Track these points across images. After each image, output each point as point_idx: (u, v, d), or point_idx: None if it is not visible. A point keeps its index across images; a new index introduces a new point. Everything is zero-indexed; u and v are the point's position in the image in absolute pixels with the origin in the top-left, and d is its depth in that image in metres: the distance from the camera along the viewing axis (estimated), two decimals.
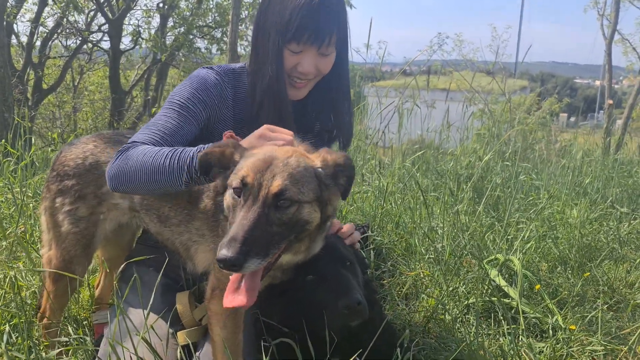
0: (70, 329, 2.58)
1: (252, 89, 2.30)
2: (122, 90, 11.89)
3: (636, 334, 2.31)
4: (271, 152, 1.69)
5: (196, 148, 1.93)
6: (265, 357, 1.90)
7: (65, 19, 13.24)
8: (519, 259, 2.88)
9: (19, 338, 2.39)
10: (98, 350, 2.29)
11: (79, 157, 2.34)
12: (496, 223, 3.74)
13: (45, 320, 2.47)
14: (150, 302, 2.02)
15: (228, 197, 1.69)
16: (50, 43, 13.84)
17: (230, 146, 1.76)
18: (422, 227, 3.49)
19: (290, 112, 2.28)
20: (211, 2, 12.96)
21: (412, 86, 7.06)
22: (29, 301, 2.68)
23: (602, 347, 2.32)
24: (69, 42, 14.55)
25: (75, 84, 15.49)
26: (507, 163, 4.94)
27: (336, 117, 2.44)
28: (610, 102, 10.92)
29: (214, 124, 2.30)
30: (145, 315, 2.12)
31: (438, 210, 3.99)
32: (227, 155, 1.76)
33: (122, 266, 2.15)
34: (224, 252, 1.46)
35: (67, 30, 13.79)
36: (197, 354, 2.16)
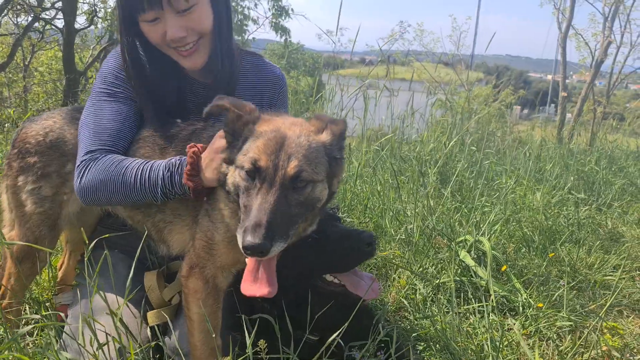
0: (29, 311, 2.51)
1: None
2: (77, 71, 11.43)
3: (602, 311, 2.39)
4: (280, 130, 1.65)
5: (163, 166, 1.90)
6: (241, 333, 1.89)
7: None
8: (488, 239, 2.94)
9: None
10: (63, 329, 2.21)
11: (39, 133, 2.24)
12: (462, 206, 3.80)
13: (5, 302, 2.37)
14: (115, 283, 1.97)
15: (237, 177, 1.64)
16: None
17: (247, 113, 1.70)
18: (391, 209, 3.52)
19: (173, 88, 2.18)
20: None
21: (372, 75, 7.08)
22: None
23: (569, 323, 2.39)
24: (19, 20, 13.91)
25: (26, 63, 14.85)
26: (473, 148, 5.03)
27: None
28: (564, 94, 11.26)
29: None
30: (115, 296, 2.08)
31: (405, 194, 4.03)
32: (241, 123, 1.70)
33: (91, 246, 2.06)
34: (249, 238, 1.45)
35: (18, 7, 13.18)
36: (174, 334, 2.11)
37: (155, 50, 2.09)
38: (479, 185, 4.51)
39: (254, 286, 1.62)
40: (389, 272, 2.94)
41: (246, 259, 1.68)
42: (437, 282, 2.81)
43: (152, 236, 2.18)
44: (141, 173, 1.91)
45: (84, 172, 1.98)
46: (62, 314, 2.11)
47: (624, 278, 3.15)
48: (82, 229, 1.97)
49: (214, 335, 1.87)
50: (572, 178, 5.24)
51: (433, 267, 2.96)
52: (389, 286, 2.86)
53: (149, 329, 2.14)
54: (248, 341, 1.64)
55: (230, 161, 1.71)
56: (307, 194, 1.61)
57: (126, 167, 1.93)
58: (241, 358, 1.66)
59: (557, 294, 2.66)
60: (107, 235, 2.10)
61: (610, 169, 6.67)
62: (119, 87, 2.12)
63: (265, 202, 1.51)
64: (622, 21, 12.94)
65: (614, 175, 6.43)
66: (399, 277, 2.88)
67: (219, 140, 1.80)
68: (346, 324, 1.89)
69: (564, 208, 4.41)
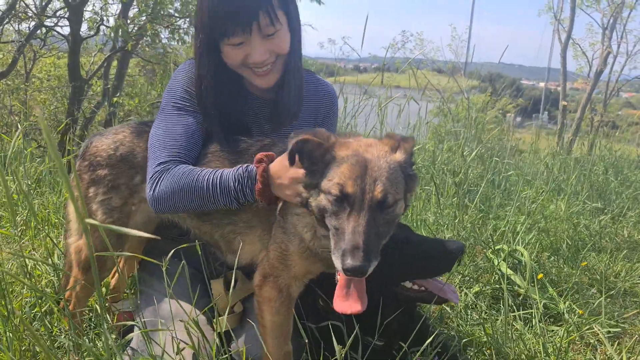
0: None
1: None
2: (82, 79, 11.46)
3: (638, 318, 2.52)
4: (360, 153, 1.75)
5: (232, 175, 1.98)
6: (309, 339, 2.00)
7: (19, 2, 12.68)
8: (524, 247, 3.06)
9: (42, 326, 2.38)
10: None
11: (110, 147, 2.33)
12: (489, 216, 3.92)
13: (70, 308, 2.45)
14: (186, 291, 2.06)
15: (324, 201, 1.74)
16: (1, 27, 13.22)
17: (325, 141, 1.80)
18: (423, 219, 3.63)
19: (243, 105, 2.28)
20: None
21: (368, 82, 7.19)
22: (48, 290, 2.66)
23: (615, 330, 2.50)
24: (21, 27, 13.94)
25: (28, 70, 14.87)
26: (497, 159, 5.16)
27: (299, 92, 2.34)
28: (565, 103, 11.46)
29: None
30: (179, 304, 2.15)
31: (430, 205, 4.14)
32: (321, 151, 1.79)
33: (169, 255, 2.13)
34: (350, 261, 1.57)
35: (21, 14, 13.22)
36: (238, 340, 2.20)
37: (229, 71, 2.18)
38: (496, 196, 4.64)
39: (346, 303, 1.73)
40: None
41: (337, 277, 1.78)
42: (477, 289, 2.92)
43: (220, 246, 2.26)
44: (212, 182, 2.00)
45: (157, 183, 2.06)
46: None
47: None
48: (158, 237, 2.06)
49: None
50: (584, 187, 5.38)
51: (470, 277, 3.07)
52: None
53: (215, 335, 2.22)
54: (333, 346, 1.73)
55: (311, 186, 1.80)
56: (392, 213, 1.73)
57: (197, 176, 2.02)
58: None
59: (595, 302, 2.78)
60: (185, 245, 2.16)
61: (617, 179, 6.84)
62: (187, 101, 2.20)
63: (358, 225, 1.63)
64: (618, 32, 13.22)
65: (620, 184, 6.60)
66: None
67: (294, 170, 1.88)
68: (415, 330, 2.00)
69: (581, 217, 4.55)
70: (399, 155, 1.80)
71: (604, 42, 12.11)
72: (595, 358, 2.36)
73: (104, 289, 2.89)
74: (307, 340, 2.04)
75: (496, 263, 3.01)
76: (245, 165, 2.01)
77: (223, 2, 2.01)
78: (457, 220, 3.48)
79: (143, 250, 2.70)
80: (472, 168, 5.61)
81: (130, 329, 2.49)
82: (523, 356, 2.24)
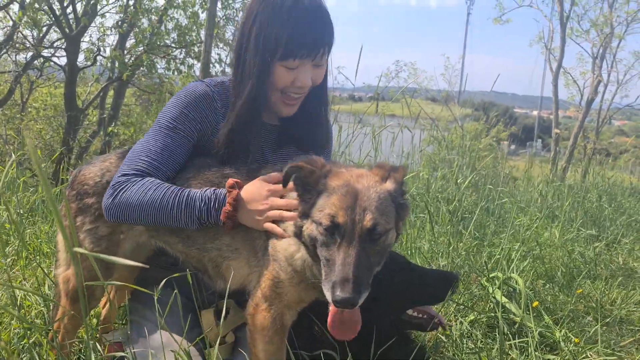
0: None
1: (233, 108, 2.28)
2: (78, 108, 11.54)
3: (636, 346, 2.49)
4: (351, 184, 1.75)
5: (199, 196, 2.01)
6: None
7: (17, 34, 12.83)
8: (518, 274, 3.04)
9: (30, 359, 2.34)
10: None
11: (97, 175, 2.32)
12: (484, 243, 3.91)
13: (59, 340, 2.41)
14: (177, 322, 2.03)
15: (315, 231, 1.74)
16: None
17: (319, 168, 1.82)
18: (418, 247, 3.62)
19: (259, 132, 2.30)
20: (170, 23, 12.86)
21: (370, 112, 7.26)
22: (37, 321, 2.62)
23: (612, 359, 2.47)
24: (19, 57, 14.09)
25: (24, 100, 14.97)
26: (490, 186, 5.18)
27: (315, 124, 2.41)
28: (558, 131, 11.58)
29: (208, 137, 2.30)
30: (170, 335, 2.12)
31: (424, 232, 4.13)
32: (314, 179, 1.81)
33: (161, 285, 2.11)
34: (339, 293, 1.58)
35: (18, 45, 13.37)
36: None
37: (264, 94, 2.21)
38: (490, 223, 4.65)
39: (340, 329, 1.76)
40: None
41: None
42: (472, 317, 2.90)
43: (209, 272, 2.24)
44: (178, 200, 2.02)
45: (119, 191, 2.07)
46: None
47: None
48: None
49: None
50: (578, 214, 5.39)
51: (465, 304, 3.05)
52: None
53: None
54: None
55: (304, 215, 1.81)
56: (383, 243, 1.73)
57: (164, 193, 2.04)
58: None
59: (591, 331, 2.75)
60: (176, 275, 2.14)
61: (610, 205, 6.86)
62: (180, 123, 2.21)
63: (348, 256, 1.63)
64: (608, 61, 13.43)
65: (614, 211, 6.62)
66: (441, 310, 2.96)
67: (274, 199, 1.93)
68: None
69: (576, 244, 4.55)
70: (389, 185, 1.80)
71: (594, 71, 12.30)
72: None
73: (94, 320, 2.85)
74: None
75: (491, 291, 2.99)
76: (214, 188, 2.05)
77: (306, 30, 2.09)
78: (451, 248, 3.47)
79: (135, 279, 2.66)
80: (467, 196, 5.62)
81: None
82: None
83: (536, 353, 2.52)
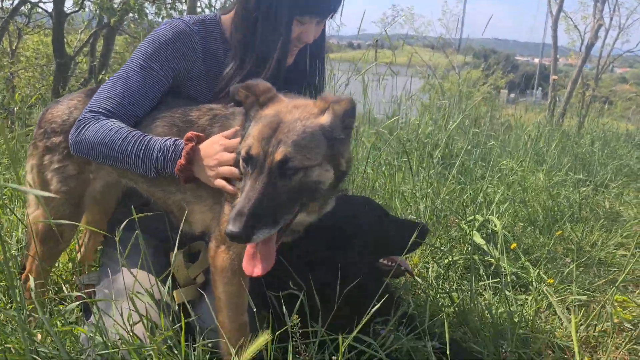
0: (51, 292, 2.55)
1: (243, 52, 2.23)
2: (67, 55, 11.29)
3: (611, 285, 2.49)
4: (279, 114, 1.65)
5: (158, 145, 1.97)
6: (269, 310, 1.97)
7: None
8: (497, 217, 3.02)
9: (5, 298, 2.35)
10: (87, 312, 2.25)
11: (64, 113, 2.27)
12: (467, 187, 3.88)
13: (29, 283, 2.40)
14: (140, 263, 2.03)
15: (240, 161, 1.68)
16: None
17: (256, 95, 1.74)
18: (398, 190, 3.58)
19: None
20: None
21: (366, 59, 7.09)
22: (11, 262, 2.60)
23: (582, 297, 2.48)
24: (5, 4, 13.71)
25: (13, 48, 14.66)
26: (476, 130, 5.10)
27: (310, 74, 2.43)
28: (555, 77, 11.37)
29: (185, 77, 2.25)
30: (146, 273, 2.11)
31: (410, 177, 4.09)
32: (248, 105, 1.76)
33: (122, 225, 2.07)
34: (230, 227, 1.48)
35: None
36: (197, 311, 2.15)
37: None
38: (478, 168, 4.60)
39: (250, 266, 1.67)
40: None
41: None
42: (448, 260, 2.89)
43: (175, 213, 2.21)
44: (137, 146, 1.99)
45: (83, 128, 2.05)
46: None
47: (625, 255, 3.25)
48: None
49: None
50: (568, 159, 5.33)
51: (443, 246, 3.04)
52: None
53: (176, 306, 2.17)
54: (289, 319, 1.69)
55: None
56: (298, 180, 1.60)
57: (124, 136, 2.00)
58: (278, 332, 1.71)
59: (566, 271, 2.75)
60: (141, 215, 2.10)
61: (603, 151, 6.80)
62: (157, 63, 2.15)
63: (252, 190, 1.54)
64: (611, 4, 13.08)
65: (607, 157, 6.57)
66: (411, 256, 2.95)
67: (223, 154, 1.86)
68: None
69: (563, 189, 4.51)
70: (325, 118, 1.67)
71: (595, 15, 11.99)
72: (562, 326, 2.33)
73: (69, 264, 2.85)
74: (270, 311, 2.02)
75: (469, 233, 2.97)
76: (175, 139, 2.00)
77: None
78: (431, 189, 3.43)
79: (107, 223, 2.64)
80: (456, 141, 5.55)
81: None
82: (489, 325, 2.20)
83: (509, 293, 2.51)
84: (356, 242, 2.05)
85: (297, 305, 1.87)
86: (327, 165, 1.66)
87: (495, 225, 2.94)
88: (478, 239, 2.96)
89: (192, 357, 1.80)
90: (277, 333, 1.76)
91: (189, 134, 1.95)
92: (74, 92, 2.42)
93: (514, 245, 2.95)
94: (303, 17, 2.15)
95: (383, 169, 4.10)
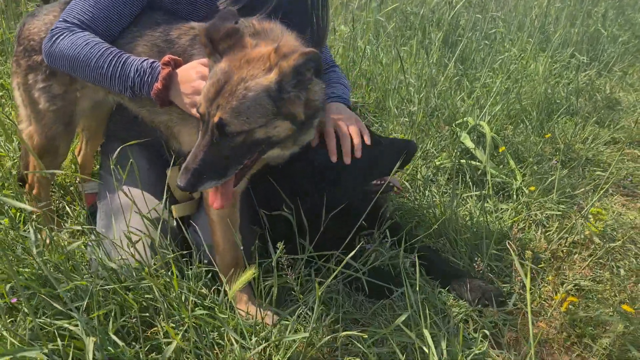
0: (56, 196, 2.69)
1: None
2: None
3: (590, 193, 2.59)
4: (229, 70, 1.64)
5: (135, 66, 1.93)
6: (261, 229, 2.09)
7: None
8: (487, 121, 3.03)
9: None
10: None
11: (41, 30, 2.22)
12: (464, 79, 3.82)
13: (35, 191, 2.52)
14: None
15: None
16: None
17: (216, 41, 1.71)
18: (394, 83, 3.54)
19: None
20: None
21: None
22: (13, 172, 2.71)
23: (558, 213, 2.58)
24: None
25: None
26: (479, 16, 4.86)
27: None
28: None
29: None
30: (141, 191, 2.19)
31: (408, 65, 4.01)
32: (208, 53, 1.75)
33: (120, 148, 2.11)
34: (178, 181, 1.65)
35: None
36: (195, 226, 2.27)
37: None
38: (479, 52, 4.46)
39: (213, 200, 1.83)
40: None
41: None
42: (437, 163, 2.96)
43: (163, 131, 2.26)
44: (114, 64, 1.96)
45: (57, 38, 2.02)
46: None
47: (613, 154, 3.31)
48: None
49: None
50: (576, 37, 5.13)
51: (434, 149, 3.09)
52: None
53: (174, 222, 2.30)
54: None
55: None
56: (241, 141, 1.65)
57: (101, 52, 1.97)
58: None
59: (549, 179, 2.80)
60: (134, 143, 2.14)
61: (617, 21, 6.51)
62: None
63: (198, 147, 1.65)
64: None
65: (620, 28, 6.31)
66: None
67: (200, 82, 1.83)
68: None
69: (565, 74, 4.43)
70: (271, 77, 1.63)
71: None
72: (537, 237, 2.46)
73: (72, 167, 2.94)
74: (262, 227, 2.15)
75: (462, 137, 3.00)
76: (152, 60, 1.96)
77: None
78: (426, 79, 3.38)
79: (104, 132, 2.69)
80: (462, 14, 5.32)
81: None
82: (465, 238, 2.34)
83: (488, 204, 2.63)
84: (344, 174, 2.10)
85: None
86: (277, 122, 1.68)
87: (484, 129, 2.95)
88: (468, 142, 2.99)
89: (190, 274, 1.95)
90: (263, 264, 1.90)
91: (166, 57, 1.93)
92: (48, 5, 2.32)
93: (502, 148, 2.99)
94: None
95: (381, 56, 4.01)
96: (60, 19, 2.05)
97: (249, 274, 1.74)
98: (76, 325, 1.55)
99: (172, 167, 2.40)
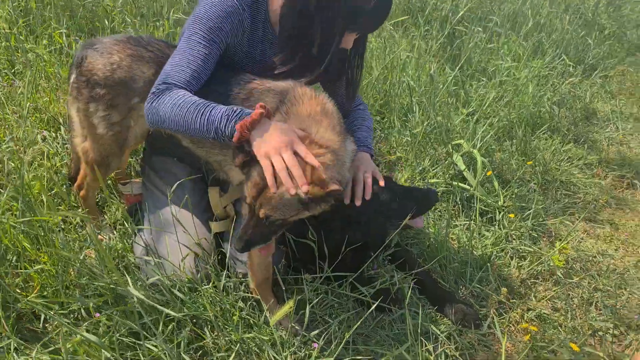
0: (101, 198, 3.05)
1: (295, 44, 2.38)
2: None
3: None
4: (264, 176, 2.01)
5: (225, 109, 2.10)
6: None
7: None
8: (478, 143, 3.47)
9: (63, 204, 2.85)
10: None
11: (107, 68, 2.46)
12: (461, 90, 4.19)
13: (83, 192, 2.87)
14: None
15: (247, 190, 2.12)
16: None
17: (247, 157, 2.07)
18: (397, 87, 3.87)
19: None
20: None
21: None
22: (64, 171, 3.04)
23: (528, 249, 3.06)
24: None
25: None
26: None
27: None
28: None
29: (229, 51, 2.41)
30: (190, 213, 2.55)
31: (410, 67, 4.34)
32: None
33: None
34: (235, 246, 2.15)
35: None
36: (230, 243, 2.66)
37: None
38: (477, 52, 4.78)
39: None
40: (395, 171, 3.51)
41: None
42: (432, 180, 3.39)
43: (214, 166, 2.58)
44: (202, 112, 2.13)
45: (155, 97, 2.22)
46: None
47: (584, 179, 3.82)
48: None
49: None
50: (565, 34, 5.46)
51: (430, 166, 3.51)
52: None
53: (212, 237, 2.67)
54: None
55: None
56: (279, 224, 2.12)
57: (190, 105, 2.14)
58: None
59: (528, 206, 3.28)
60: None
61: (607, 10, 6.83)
62: (217, 36, 2.29)
63: (248, 225, 2.12)
64: None
65: (608, 16, 6.64)
66: (401, 175, 3.45)
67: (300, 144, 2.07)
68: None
69: (551, 80, 4.81)
70: (303, 193, 1.99)
71: None
72: (513, 264, 2.97)
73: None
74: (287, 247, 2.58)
75: (455, 158, 3.43)
76: (240, 107, 2.14)
77: (378, 15, 2.35)
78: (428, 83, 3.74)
79: (146, 143, 2.97)
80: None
81: (136, 210, 2.97)
82: (456, 262, 2.82)
83: (476, 229, 3.10)
84: (364, 217, 2.51)
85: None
86: (305, 211, 2.10)
87: (475, 154, 3.38)
88: (460, 164, 3.42)
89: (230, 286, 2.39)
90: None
91: (262, 104, 2.09)
92: (109, 41, 2.55)
93: (489, 172, 3.43)
94: (352, 33, 2.33)
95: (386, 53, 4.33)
96: (160, 82, 2.23)
97: (287, 307, 2.19)
98: (155, 346, 2.02)
99: (212, 187, 2.77)
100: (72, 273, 2.39)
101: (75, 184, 2.94)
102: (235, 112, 2.08)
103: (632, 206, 3.70)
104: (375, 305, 2.29)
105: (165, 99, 2.19)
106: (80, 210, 2.93)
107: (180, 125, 2.17)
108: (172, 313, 2.12)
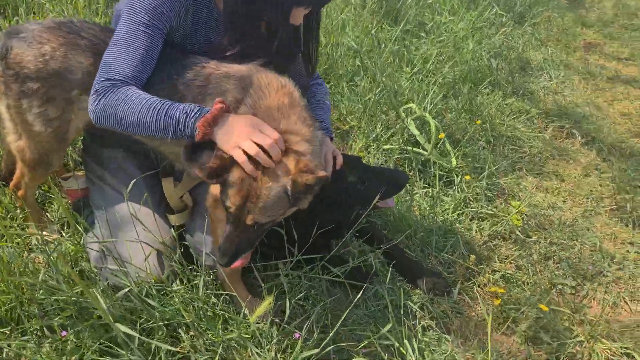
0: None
1: (243, 24, 2.24)
2: None
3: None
4: (245, 179, 1.91)
5: (182, 107, 1.98)
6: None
7: None
8: (429, 105, 3.47)
9: None
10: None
11: (38, 60, 2.21)
12: (404, 50, 4.14)
13: (21, 192, 2.63)
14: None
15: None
16: None
17: (223, 166, 1.94)
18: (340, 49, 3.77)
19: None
20: None
21: None
22: None
23: (485, 211, 3.14)
24: None
25: None
26: None
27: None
28: None
29: (172, 33, 2.24)
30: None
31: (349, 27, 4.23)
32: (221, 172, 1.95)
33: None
34: (219, 260, 2.01)
35: None
36: (193, 233, 2.54)
37: None
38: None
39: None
40: (348, 141, 3.46)
41: None
42: (387, 147, 3.37)
43: (170, 157, 2.42)
44: (158, 112, 2.00)
45: (101, 97, 2.05)
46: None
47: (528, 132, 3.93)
48: None
49: None
50: None
51: (383, 132, 3.48)
52: (345, 149, 3.40)
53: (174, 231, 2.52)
54: None
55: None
56: (264, 229, 2.03)
57: (144, 104, 2.01)
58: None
59: (480, 164, 3.34)
60: None
61: None
62: (158, 20, 2.11)
63: (230, 236, 1.99)
64: None
65: None
66: (355, 144, 3.40)
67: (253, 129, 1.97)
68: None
69: (486, 32, 4.87)
70: (288, 180, 1.92)
71: None
72: (474, 227, 3.03)
73: None
74: None
75: (408, 124, 3.41)
76: (199, 105, 2.03)
77: None
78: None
79: (86, 132, 2.73)
80: None
81: (83, 205, 2.76)
82: (422, 231, 2.85)
83: (436, 190, 3.13)
84: (332, 201, 2.45)
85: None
86: (291, 209, 2.03)
87: (427, 118, 3.38)
88: (414, 129, 3.41)
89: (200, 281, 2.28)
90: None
91: (221, 99, 2.00)
92: (37, 29, 2.27)
93: (442, 135, 3.45)
94: (299, 8, 2.18)
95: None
96: (102, 78, 2.05)
97: (267, 303, 2.12)
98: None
99: (165, 178, 2.61)
100: (24, 287, 2.20)
101: (11, 184, 2.69)
102: (193, 110, 1.98)
103: (573, 156, 3.87)
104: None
105: (112, 99, 2.03)
106: (19, 211, 2.69)
107: (135, 127, 2.03)
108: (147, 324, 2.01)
